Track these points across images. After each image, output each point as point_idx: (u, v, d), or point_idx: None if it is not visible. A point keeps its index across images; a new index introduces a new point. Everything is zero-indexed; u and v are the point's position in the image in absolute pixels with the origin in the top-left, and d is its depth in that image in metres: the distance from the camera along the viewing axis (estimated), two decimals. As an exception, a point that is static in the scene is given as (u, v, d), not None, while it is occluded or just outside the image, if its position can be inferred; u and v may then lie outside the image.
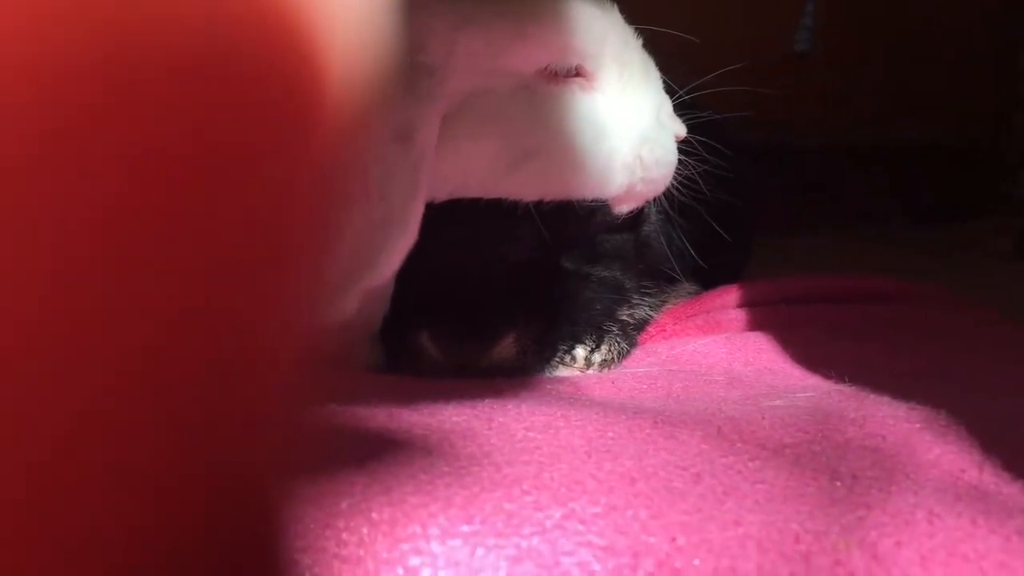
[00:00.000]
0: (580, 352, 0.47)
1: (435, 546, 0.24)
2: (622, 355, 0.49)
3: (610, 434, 0.32)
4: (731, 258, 0.68)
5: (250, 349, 0.13)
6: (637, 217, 0.52)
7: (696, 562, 0.23)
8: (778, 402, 0.37)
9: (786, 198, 1.22)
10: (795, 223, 1.21)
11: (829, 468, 0.29)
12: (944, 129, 1.35)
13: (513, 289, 0.45)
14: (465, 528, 0.24)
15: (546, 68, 0.44)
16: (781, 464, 0.29)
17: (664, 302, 0.57)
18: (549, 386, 0.42)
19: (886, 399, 0.37)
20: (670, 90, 0.50)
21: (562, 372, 0.47)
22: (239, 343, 0.12)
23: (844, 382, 0.40)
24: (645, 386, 0.42)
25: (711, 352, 0.48)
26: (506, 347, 0.44)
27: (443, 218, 0.42)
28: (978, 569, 0.23)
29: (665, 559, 0.23)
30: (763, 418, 0.34)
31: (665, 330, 0.55)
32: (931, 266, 1.01)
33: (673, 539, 0.24)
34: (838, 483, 0.28)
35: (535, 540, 0.24)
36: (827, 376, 0.42)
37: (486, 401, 0.36)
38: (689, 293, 0.60)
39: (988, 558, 0.24)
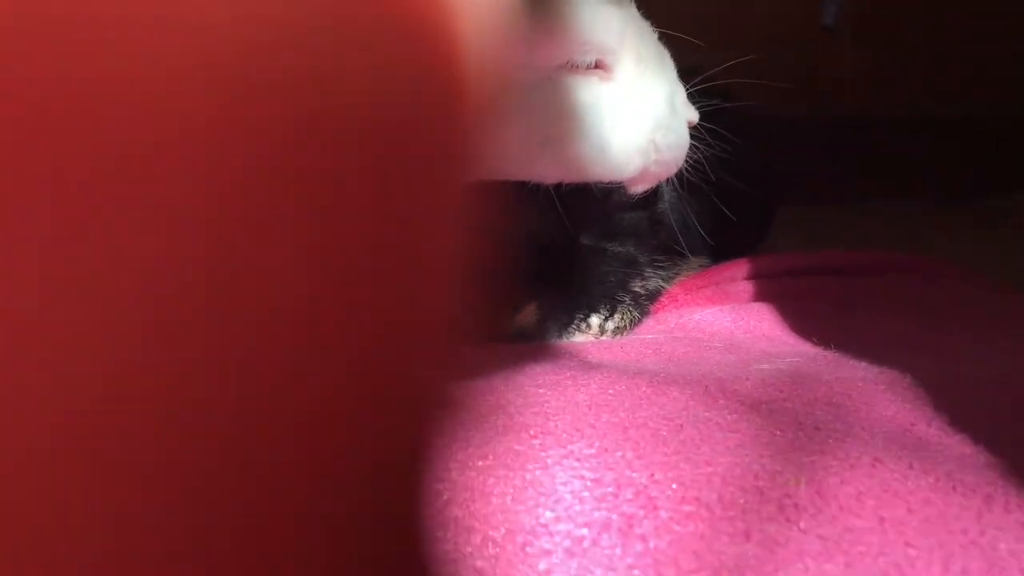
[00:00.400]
0: (595, 320, 0.52)
1: (455, 476, 0.29)
2: (634, 323, 0.54)
3: (610, 391, 0.37)
4: (745, 235, 0.72)
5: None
6: (651, 196, 0.56)
7: (668, 492, 0.28)
8: (765, 365, 0.41)
9: (818, 171, 1.24)
10: (826, 196, 1.23)
11: (796, 421, 0.34)
12: (980, 103, 1.35)
13: (536, 263, 0.50)
14: (480, 463, 0.30)
15: (568, 62, 0.49)
16: (754, 418, 0.34)
17: (676, 274, 0.61)
18: (564, 350, 0.47)
19: (863, 364, 0.41)
20: (686, 79, 0.54)
21: (578, 338, 0.52)
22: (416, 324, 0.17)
23: (830, 349, 0.45)
24: (650, 351, 0.46)
25: (715, 321, 0.52)
26: (528, 314, 0.50)
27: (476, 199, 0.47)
28: (905, 503, 0.28)
29: (642, 489, 0.28)
30: (747, 379, 0.38)
31: (676, 300, 0.59)
32: (963, 239, 1.03)
33: (652, 475, 0.29)
34: (801, 433, 0.33)
35: (537, 473, 0.29)
36: (817, 344, 0.47)
37: (507, 363, 0.41)
38: (700, 265, 0.64)
39: (916, 495, 0.28)
